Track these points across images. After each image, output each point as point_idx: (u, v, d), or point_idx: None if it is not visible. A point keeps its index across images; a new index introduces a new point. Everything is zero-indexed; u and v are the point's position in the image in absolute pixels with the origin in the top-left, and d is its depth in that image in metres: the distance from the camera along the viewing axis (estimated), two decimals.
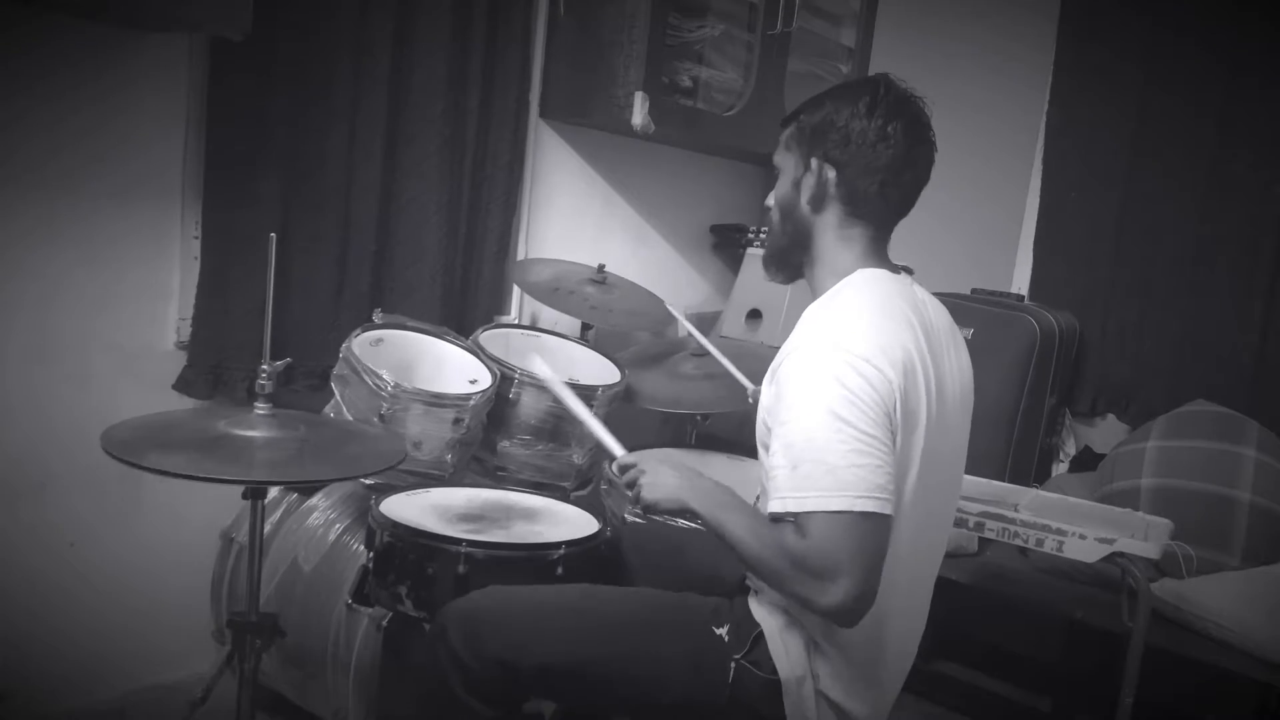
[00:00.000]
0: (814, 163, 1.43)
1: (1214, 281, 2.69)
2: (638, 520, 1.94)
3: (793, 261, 1.50)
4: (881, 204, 1.42)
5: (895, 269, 1.46)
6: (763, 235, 3.12)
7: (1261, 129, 2.61)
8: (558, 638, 1.45)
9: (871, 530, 1.23)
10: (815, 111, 1.44)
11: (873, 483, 1.23)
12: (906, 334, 1.34)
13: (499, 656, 1.42)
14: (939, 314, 1.47)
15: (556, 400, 1.78)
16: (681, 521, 1.80)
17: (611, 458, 1.62)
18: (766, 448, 1.36)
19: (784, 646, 1.40)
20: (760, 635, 1.41)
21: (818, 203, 1.44)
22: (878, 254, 1.45)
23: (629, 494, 1.49)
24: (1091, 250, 2.88)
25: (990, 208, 3.11)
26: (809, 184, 1.44)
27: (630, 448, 2.23)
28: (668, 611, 1.49)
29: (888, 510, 1.24)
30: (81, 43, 1.92)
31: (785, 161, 1.49)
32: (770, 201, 1.52)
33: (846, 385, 1.25)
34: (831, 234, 1.44)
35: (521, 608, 1.49)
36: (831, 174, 1.41)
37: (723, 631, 1.43)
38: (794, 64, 2.98)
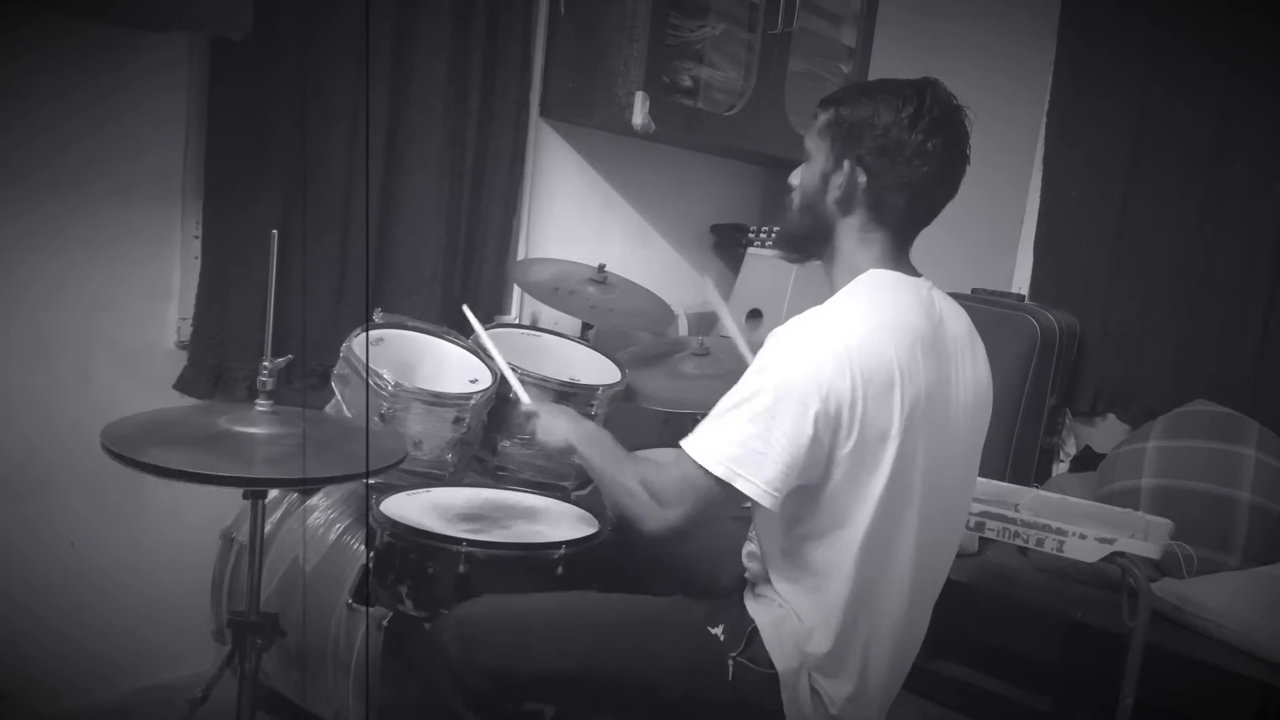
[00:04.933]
0: (846, 164, 1.41)
1: (1214, 281, 2.69)
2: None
3: (808, 247, 1.50)
4: (906, 215, 1.42)
5: (914, 272, 1.46)
6: (763, 235, 3.12)
7: (1261, 129, 2.62)
8: (554, 645, 1.45)
9: (719, 493, 1.33)
10: (858, 107, 1.40)
11: (763, 474, 1.30)
12: (889, 343, 1.34)
13: (496, 666, 1.42)
14: (957, 321, 1.47)
15: (484, 353, 2.02)
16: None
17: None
18: None
19: (779, 640, 1.41)
20: (755, 631, 1.42)
21: (845, 204, 1.43)
22: (897, 257, 1.44)
23: (529, 437, 1.69)
24: (1091, 250, 2.88)
25: (990, 208, 3.10)
26: (837, 183, 1.42)
27: (630, 448, 2.24)
28: (661, 615, 1.50)
29: (748, 490, 1.31)
30: (82, 43, 1.92)
31: (817, 150, 1.46)
32: (795, 181, 1.50)
33: (790, 373, 1.31)
34: (853, 235, 1.44)
35: (517, 616, 1.49)
36: (862, 179, 1.40)
37: (718, 631, 1.44)
38: (794, 64, 2.98)
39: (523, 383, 1.87)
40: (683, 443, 1.37)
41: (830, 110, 1.44)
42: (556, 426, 1.61)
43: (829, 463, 1.33)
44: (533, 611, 1.50)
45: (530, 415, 1.69)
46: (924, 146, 1.36)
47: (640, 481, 1.42)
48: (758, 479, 1.31)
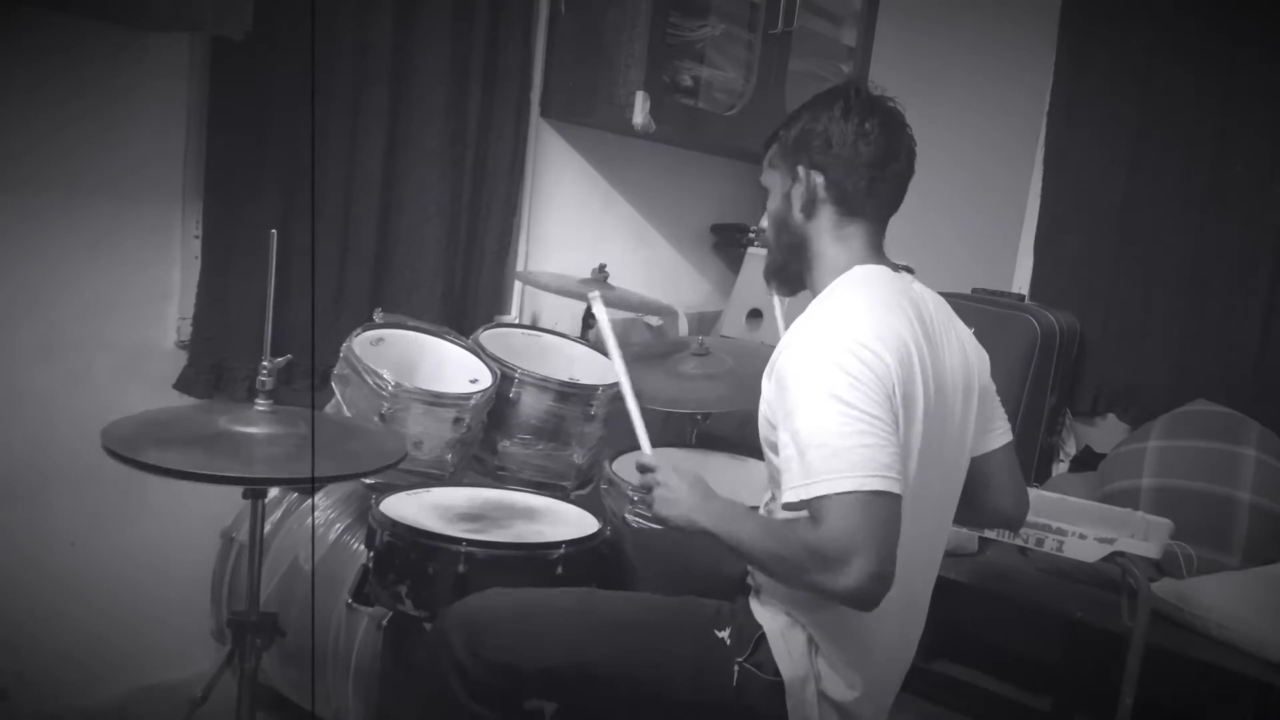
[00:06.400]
0: (800, 171, 1.46)
1: (1214, 281, 2.69)
2: (640, 521, 1.94)
3: (792, 272, 1.52)
4: (873, 199, 1.45)
5: (894, 266, 1.47)
6: (763, 235, 3.12)
7: (1262, 130, 2.61)
8: (560, 641, 1.45)
9: (883, 508, 1.23)
10: (793, 125, 1.49)
11: (879, 461, 1.23)
12: (903, 324, 1.35)
13: (501, 660, 1.42)
14: (938, 308, 1.48)
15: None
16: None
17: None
18: (771, 445, 1.37)
19: (786, 647, 1.40)
20: (762, 637, 1.42)
21: (810, 209, 1.46)
22: (874, 251, 1.47)
23: (643, 496, 1.49)
24: (1092, 250, 2.88)
25: (991, 207, 3.11)
26: (799, 193, 1.47)
27: (629, 447, 2.24)
28: (669, 615, 1.49)
29: (896, 489, 1.24)
30: (82, 43, 1.92)
31: (772, 180, 1.53)
32: (764, 222, 1.56)
33: (846, 369, 1.27)
34: (827, 236, 1.46)
35: (523, 611, 1.49)
36: (819, 179, 1.45)
37: (724, 635, 1.43)
38: (795, 64, 2.98)
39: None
40: (795, 495, 1.26)
41: (773, 144, 1.53)
42: (679, 500, 1.42)
43: None
44: (540, 605, 1.50)
45: (647, 470, 1.49)
46: (863, 129, 1.43)
47: (805, 550, 1.24)
48: (896, 472, 1.24)
